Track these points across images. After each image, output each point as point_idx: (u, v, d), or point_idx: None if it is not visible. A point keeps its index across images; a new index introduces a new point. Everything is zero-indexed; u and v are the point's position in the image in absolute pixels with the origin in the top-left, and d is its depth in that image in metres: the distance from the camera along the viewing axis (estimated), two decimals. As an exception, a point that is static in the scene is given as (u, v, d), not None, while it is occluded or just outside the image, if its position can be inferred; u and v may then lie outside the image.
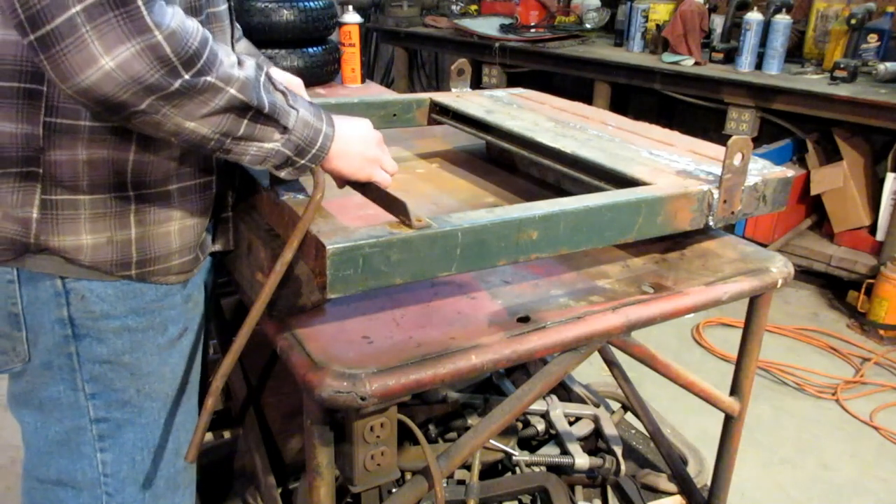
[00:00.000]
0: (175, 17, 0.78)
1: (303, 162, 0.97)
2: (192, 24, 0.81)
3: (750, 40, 3.66)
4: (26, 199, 0.93)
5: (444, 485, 1.57)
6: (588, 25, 4.58)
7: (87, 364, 1.02)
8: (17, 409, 1.08)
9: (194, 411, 1.19)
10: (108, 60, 0.74)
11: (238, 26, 1.28)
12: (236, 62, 0.87)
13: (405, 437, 1.49)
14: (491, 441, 1.67)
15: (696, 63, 3.82)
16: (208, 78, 0.82)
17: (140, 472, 1.11)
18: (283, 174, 0.98)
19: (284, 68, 2.42)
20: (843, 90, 3.32)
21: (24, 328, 0.99)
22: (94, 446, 1.07)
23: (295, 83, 1.27)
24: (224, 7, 1.08)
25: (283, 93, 0.94)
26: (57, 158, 0.92)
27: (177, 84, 0.79)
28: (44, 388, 1.04)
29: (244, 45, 1.33)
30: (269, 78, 0.92)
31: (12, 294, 0.97)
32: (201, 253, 1.11)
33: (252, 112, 0.88)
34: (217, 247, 1.18)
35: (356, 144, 1.03)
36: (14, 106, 0.90)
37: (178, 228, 1.04)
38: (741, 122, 3.62)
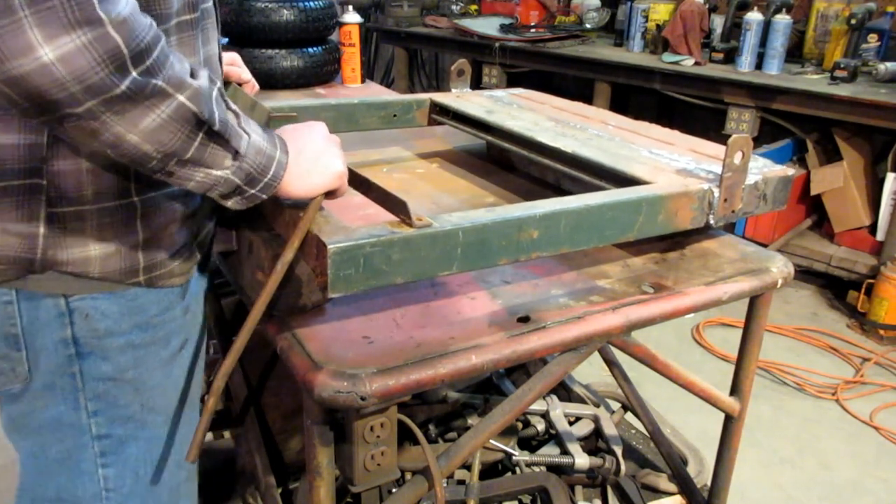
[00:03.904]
0: (129, 5, 0.72)
1: (252, 192, 0.89)
2: (146, 19, 0.75)
3: (750, 40, 3.66)
4: (32, 214, 0.88)
5: (444, 485, 1.56)
6: (588, 25, 4.58)
7: (91, 382, 0.99)
8: (14, 434, 1.04)
9: (195, 423, 1.16)
10: (47, 51, 0.67)
11: None
12: (189, 70, 0.79)
13: (405, 437, 1.49)
14: (491, 441, 1.67)
15: (696, 63, 3.82)
16: (157, 81, 0.75)
17: (143, 486, 1.08)
18: (228, 203, 0.90)
19: (284, 68, 2.44)
20: (843, 90, 3.32)
21: (23, 349, 0.95)
22: (95, 462, 1.03)
23: (231, 57, 1.22)
24: (210, 3, 1.03)
25: (235, 113, 0.86)
26: (61, 168, 0.87)
27: (124, 85, 0.72)
28: (44, 410, 0.99)
29: None
30: (221, 94, 0.85)
31: (11, 315, 0.93)
32: (198, 249, 1.08)
33: (204, 128, 0.80)
34: (219, 247, 1.16)
35: (315, 166, 0.95)
36: (16, 116, 0.84)
37: (178, 228, 1.01)
38: (741, 122, 3.62)
